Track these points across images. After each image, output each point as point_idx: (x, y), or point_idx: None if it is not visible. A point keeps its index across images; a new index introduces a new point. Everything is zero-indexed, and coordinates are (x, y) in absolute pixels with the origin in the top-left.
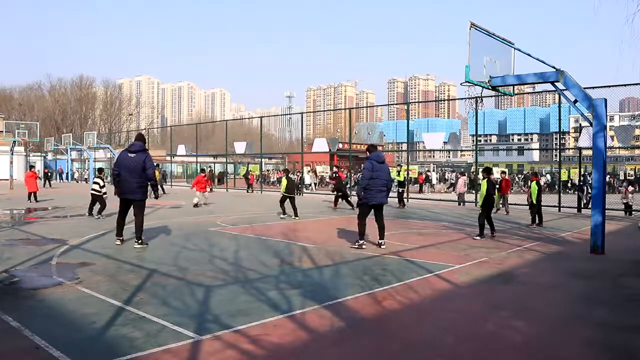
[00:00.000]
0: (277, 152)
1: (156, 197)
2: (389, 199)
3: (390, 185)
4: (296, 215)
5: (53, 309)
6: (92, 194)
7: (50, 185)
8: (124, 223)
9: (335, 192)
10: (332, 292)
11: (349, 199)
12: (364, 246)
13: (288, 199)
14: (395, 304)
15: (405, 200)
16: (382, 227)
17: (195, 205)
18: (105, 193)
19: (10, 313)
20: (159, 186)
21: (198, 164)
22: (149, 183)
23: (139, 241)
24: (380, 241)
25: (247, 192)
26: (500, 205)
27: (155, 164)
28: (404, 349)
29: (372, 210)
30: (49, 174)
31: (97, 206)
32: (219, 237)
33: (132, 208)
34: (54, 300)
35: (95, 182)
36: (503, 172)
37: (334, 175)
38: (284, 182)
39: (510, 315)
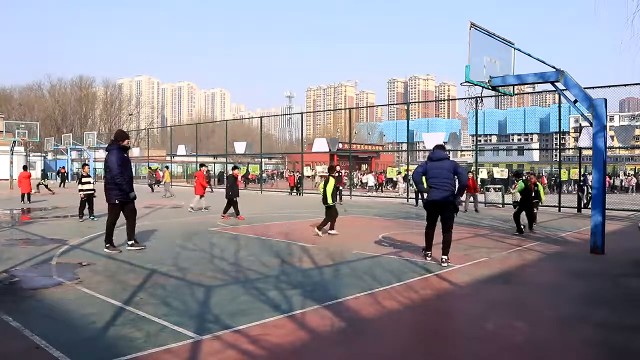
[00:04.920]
0: (277, 152)
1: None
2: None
3: (462, 180)
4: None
5: (53, 309)
6: (87, 194)
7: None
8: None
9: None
10: (332, 292)
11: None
12: (428, 257)
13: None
14: (395, 304)
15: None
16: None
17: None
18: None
19: (10, 313)
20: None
21: (198, 164)
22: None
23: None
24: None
25: (291, 194)
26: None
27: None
28: (404, 349)
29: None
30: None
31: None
32: (219, 237)
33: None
34: (54, 300)
35: (86, 182)
36: (470, 172)
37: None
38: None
39: (510, 315)
